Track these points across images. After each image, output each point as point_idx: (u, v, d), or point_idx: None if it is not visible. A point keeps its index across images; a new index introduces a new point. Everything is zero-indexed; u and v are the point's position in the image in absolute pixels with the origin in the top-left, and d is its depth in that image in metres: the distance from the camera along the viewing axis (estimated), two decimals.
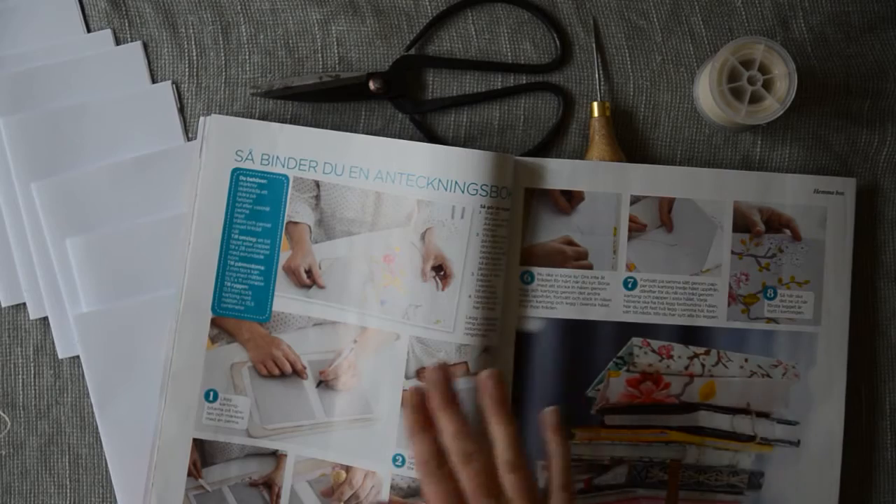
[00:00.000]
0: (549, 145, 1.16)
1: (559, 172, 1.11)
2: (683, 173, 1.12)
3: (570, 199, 1.11)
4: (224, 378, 1.10)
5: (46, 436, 1.12)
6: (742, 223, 1.12)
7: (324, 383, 1.10)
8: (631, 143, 1.16)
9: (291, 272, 1.10)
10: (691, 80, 1.17)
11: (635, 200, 1.11)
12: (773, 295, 1.12)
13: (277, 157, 1.11)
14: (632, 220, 1.11)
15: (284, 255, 1.10)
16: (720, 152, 1.16)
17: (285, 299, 1.10)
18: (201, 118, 1.11)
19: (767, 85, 1.10)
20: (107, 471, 1.11)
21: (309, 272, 1.10)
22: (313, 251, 1.10)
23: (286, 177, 1.10)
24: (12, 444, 1.12)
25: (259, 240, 1.10)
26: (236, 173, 1.10)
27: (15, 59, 1.14)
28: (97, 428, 1.11)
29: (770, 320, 1.12)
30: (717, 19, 1.18)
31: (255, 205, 1.11)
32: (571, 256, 1.11)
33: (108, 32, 1.15)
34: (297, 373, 1.10)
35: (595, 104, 1.14)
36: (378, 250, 1.10)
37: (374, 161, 1.10)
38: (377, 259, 1.10)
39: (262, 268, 1.10)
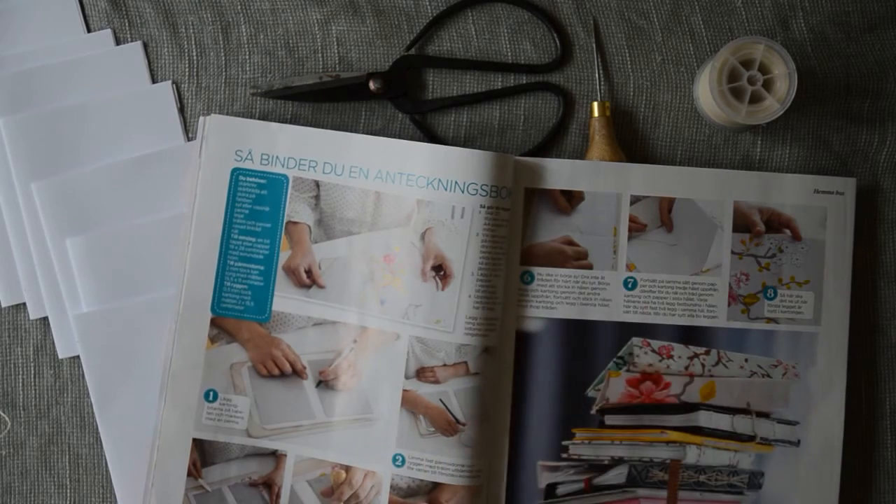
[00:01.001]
0: (549, 145, 1.16)
1: (559, 172, 1.11)
2: (683, 173, 1.11)
3: (570, 199, 1.11)
4: (224, 378, 1.09)
5: (46, 436, 1.12)
6: (742, 223, 1.11)
7: (324, 383, 1.09)
8: (631, 143, 1.16)
9: (291, 272, 1.10)
10: (691, 80, 1.17)
11: (635, 200, 1.11)
12: (773, 295, 1.11)
13: (277, 157, 1.10)
14: (632, 220, 1.11)
15: (284, 255, 1.10)
16: (720, 152, 1.16)
17: (285, 299, 1.10)
18: (200, 118, 1.11)
19: (767, 85, 1.09)
20: (107, 471, 1.11)
21: (309, 272, 1.10)
22: (313, 251, 1.10)
23: (286, 177, 1.10)
24: (12, 444, 1.12)
25: (259, 240, 1.10)
26: (236, 173, 1.10)
27: (15, 59, 1.14)
28: (97, 428, 1.11)
29: (770, 320, 1.11)
30: (717, 19, 1.17)
31: (255, 205, 1.10)
32: (571, 256, 1.11)
33: (108, 32, 1.15)
34: (297, 373, 1.09)
35: (595, 104, 1.14)
36: (378, 250, 1.09)
37: (373, 161, 1.09)
38: (377, 259, 1.09)
39: (262, 268, 1.10)
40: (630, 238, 1.11)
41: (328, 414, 1.09)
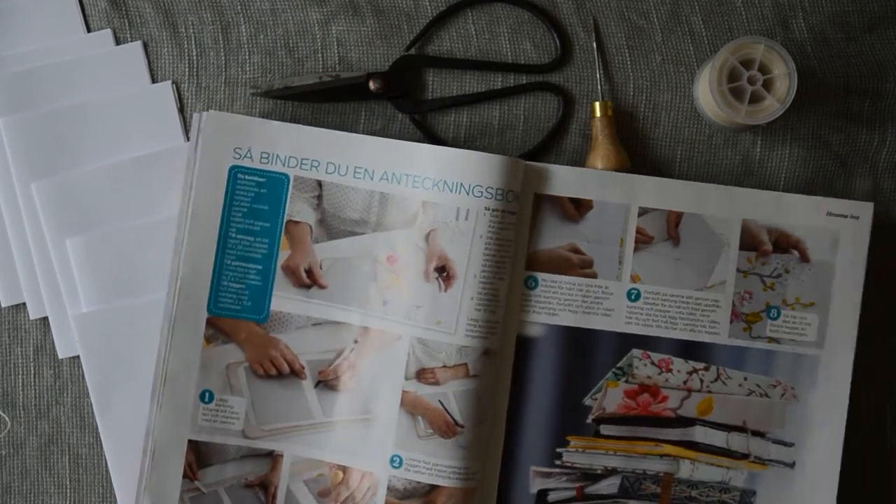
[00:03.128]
0: (549, 145, 1.13)
1: (568, 179, 1.07)
2: (693, 188, 1.08)
3: (579, 207, 1.08)
4: (220, 378, 1.06)
5: (46, 436, 1.10)
6: (749, 241, 1.08)
7: (323, 383, 1.06)
8: (631, 144, 1.13)
9: (291, 272, 1.06)
10: (691, 80, 1.14)
11: (643, 212, 1.08)
12: (776, 315, 1.08)
13: (277, 156, 1.06)
14: (639, 231, 1.08)
15: (283, 255, 1.06)
16: (720, 152, 1.13)
17: (284, 299, 1.06)
18: (195, 114, 1.07)
19: (767, 85, 1.06)
20: (107, 471, 1.09)
21: (309, 272, 1.06)
22: (314, 251, 1.06)
23: (287, 176, 1.06)
24: (12, 444, 1.10)
25: (257, 239, 1.06)
26: (234, 171, 1.06)
27: (15, 59, 1.11)
28: (97, 428, 1.08)
29: (772, 340, 1.08)
30: (717, 19, 1.14)
31: (254, 203, 1.06)
32: (577, 264, 1.08)
33: (108, 32, 1.12)
34: (295, 373, 1.06)
35: (597, 104, 1.11)
36: (382, 251, 1.06)
37: (379, 162, 1.06)
38: (381, 259, 1.06)
39: (260, 267, 1.06)
40: (636, 249, 1.08)
41: (326, 414, 1.06)
